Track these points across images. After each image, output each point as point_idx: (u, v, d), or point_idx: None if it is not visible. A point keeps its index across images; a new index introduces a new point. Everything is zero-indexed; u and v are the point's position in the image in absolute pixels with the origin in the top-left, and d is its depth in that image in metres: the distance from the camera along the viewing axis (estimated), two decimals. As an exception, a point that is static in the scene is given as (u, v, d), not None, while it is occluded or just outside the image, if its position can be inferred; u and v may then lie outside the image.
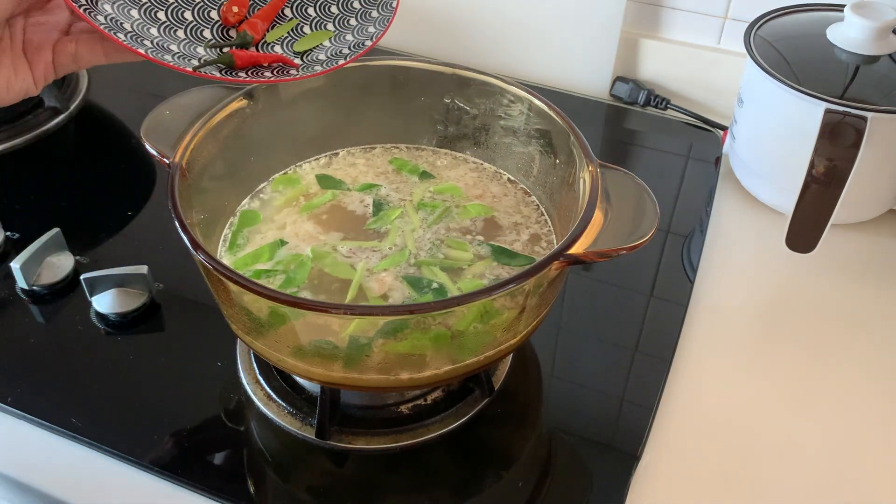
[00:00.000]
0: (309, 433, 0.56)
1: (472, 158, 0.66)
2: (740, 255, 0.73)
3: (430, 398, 0.58)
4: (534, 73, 0.93)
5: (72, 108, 0.85)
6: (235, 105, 0.58)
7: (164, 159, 0.53)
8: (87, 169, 0.83)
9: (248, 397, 0.58)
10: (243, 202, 0.61)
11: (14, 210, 0.75)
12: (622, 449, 0.57)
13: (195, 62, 0.50)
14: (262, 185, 0.63)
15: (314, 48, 0.56)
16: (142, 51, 0.48)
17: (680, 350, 0.64)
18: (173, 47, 0.51)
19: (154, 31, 0.51)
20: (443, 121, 0.65)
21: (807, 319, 0.67)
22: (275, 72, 0.53)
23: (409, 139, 0.67)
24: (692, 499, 0.55)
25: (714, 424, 0.59)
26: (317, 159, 0.66)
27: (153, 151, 0.54)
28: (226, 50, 0.53)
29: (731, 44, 0.88)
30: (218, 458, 0.56)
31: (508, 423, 0.58)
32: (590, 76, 0.92)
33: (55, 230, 0.68)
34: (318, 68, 0.53)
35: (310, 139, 0.65)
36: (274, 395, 0.58)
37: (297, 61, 0.54)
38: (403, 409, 0.57)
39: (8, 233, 0.71)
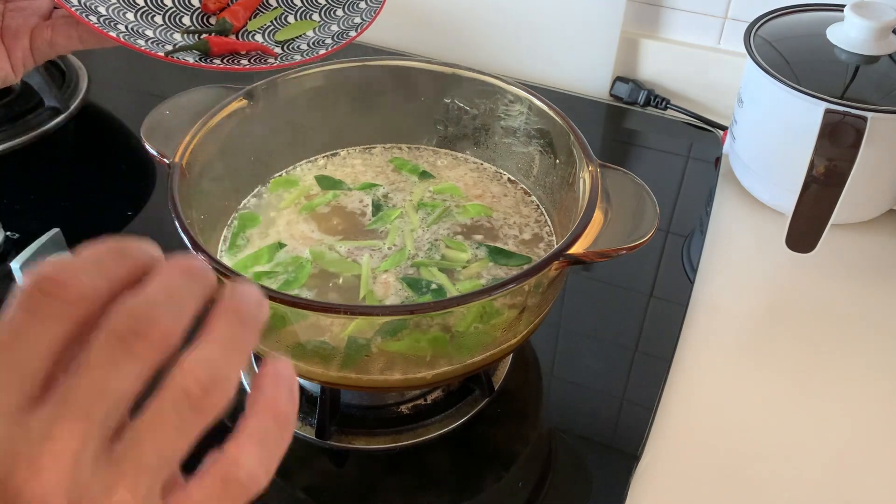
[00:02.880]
0: (309, 433, 0.56)
1: (472, 158, 0.66)
2: (740, 255, 0.73)
3: (430, 398, 0.58)
4: (534, 73, 0.93)
5: (72, 108, 0.85)
6: (235, 105, 0.57)
7: (164, 159, 0.53)
8: (87, 169, 0.83)
9: (248, 397, 0.58)
10: (243, 202, 0.61)
11: (14, 210, 0.75)
12: (622, 449, 0.57)
13: (169, 48, 0.50)
14: (263, 185, 0.63)
15: (296, 38, 0.54)
16: (113, 34, 0.47)
17: (680, 350, 0.64)
18: (148, 32, 0.50)
19: (130, 15, 0.50)
20: (443, 121, 0.65)
21: (807, 319, 0.67)
22: (252, 60, 0.51)
23: (409, 139, 0.67)
24: (692, 499, 0.55)
25: (714, 424, 0.59)
26: (316, 160, 0.66)
27: (153, 151, 0.54)
28: (203, 37, 0.52)
29: (731, 44, 0.88)
30: (218, 458, 0.55)
31: (508, 423, 0.58)
32: (590, 76, 0.92)
33: (55, 230, 0.68)
34: (298, 57, 0.52)
35: (310, 139, 0.65)
36: (274, 395, 0.58)
37: (278, 50, 0.53)
38: (403, 409, 0.57)
39: (8, 233, 0.71)
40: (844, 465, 0.57)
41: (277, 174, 0.64)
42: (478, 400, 0.58)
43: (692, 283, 0.69)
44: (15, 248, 0.69)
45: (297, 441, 0.56)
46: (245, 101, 0.58)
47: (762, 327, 0.67)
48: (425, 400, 0.58)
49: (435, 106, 0.65)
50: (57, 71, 0.89)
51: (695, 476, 0.56)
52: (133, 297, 0.24)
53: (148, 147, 0.54)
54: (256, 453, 0.26)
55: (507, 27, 0.92)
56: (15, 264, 0.65)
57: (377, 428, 0.56)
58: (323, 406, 0.55)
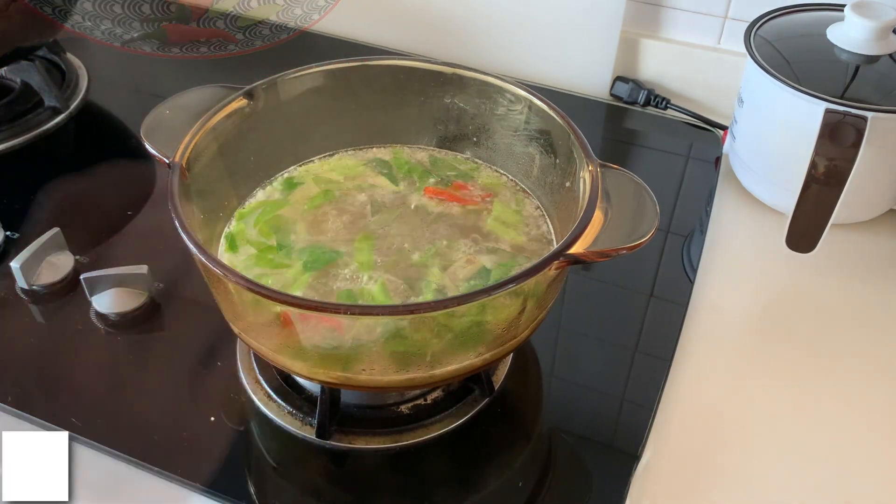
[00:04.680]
0: (309, 433, 0.56)
1: (473, 158, 0.66)
2: (740, 255, 0.73)
3: (430, 398, 0.58)
4: (534, 72, 0.93)
5: (72, 108, 0.85)
6: (235, 105, 0.58)
7: (164, 159, 0.53)
8: (87, 169, 0.83)
9: (248, 397, 0.58)
10: (243, 202, 0.61)
11: (14, 210, 0.75)
12: (622, 449, 0.57)
13: (127, 37, 0.49)
14: (263, 185, 0.63)
15: (258, 23, 0.54)
16: (68, 25, 0.47)
17: (680, 350, 0.63)
18: (106, 23, 0.49)
19: (88, 5, 0.50)
20: (443, 121, 0.65)
21: (807, 319, 0.67)
22: (212, 48, 0.51)
23: (409, 139, 0.67)
24: (692, 499, 0.55)
25: (714, 424, 0.59)
26: (316, 159, 0.66)
27: (153, 151, 0.54)
28: (161, 25, 0.51)
29: (731, 44, 0.88)
30: (218, 458, 0.56)
31: (508, 422, 0.58)
32: (590, 76, 0.92)
33: (55, 230, 0.68)
34: (259, 43, 0.51)
35: (309, 139, 0.65)
36: (274, 395, 0.58)
37: (239, 37, 0.52)
38: (403, 409, 0.57)
39: (8, 233, 0.71)
40: (844, 465, 0.57)
41: (277, 174, 0.64)
42: (478, 400, 0.58)
43: (692, 283, 0.69)
44: (15, 248, 0.69)
45: (297, 441, 0.56)
46: (245, 101, 0.58)
47: (762, 327, 0.67)
48: (425, 400, 0.58)
49: (435, 106, 0.65)
50: (57, 71, 0.88)
51: (695, 476, 0.56)
52: None
53: (148, 147, 0.54)
54: None
55: (507, 27, 0.92)
56: (15, 264, 0.65)
57: (377, 428, 0.56)
58: (323, 406, 0.55)
